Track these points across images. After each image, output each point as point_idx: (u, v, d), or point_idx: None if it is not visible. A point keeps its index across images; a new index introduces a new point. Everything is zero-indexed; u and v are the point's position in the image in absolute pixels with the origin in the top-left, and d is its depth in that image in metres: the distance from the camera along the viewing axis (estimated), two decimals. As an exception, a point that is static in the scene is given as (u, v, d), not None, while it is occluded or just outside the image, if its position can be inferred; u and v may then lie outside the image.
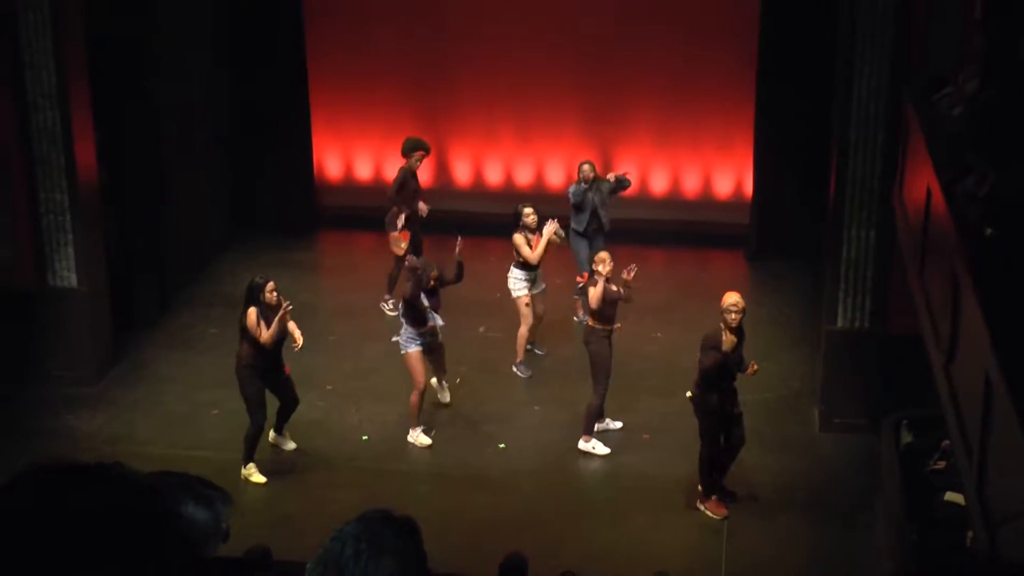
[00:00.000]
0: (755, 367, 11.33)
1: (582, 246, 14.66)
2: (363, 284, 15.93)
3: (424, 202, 14.99)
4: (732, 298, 11.19)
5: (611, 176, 14.77)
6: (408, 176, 14.84)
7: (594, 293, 12.08)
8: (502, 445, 12.72)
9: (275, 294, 11.70)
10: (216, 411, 12.97)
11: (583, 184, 14.50)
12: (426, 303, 12.30)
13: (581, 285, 14.33)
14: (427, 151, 15.12)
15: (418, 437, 12.64)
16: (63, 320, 13.40)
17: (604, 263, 12.21)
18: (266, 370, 11.82)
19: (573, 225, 14.71)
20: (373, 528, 3.07)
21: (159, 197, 15.03)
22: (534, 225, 13.71)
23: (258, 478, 12.02)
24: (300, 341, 11.86)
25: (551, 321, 14.41)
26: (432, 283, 12.32)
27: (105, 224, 13.99)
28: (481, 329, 14.61)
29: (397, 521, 3.13)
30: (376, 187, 17.49)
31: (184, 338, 14.71)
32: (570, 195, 14.63)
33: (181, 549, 2.08)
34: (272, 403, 12.14)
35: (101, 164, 13.82)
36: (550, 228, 13.65)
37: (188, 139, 15.68)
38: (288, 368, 12.08)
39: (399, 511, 3.20)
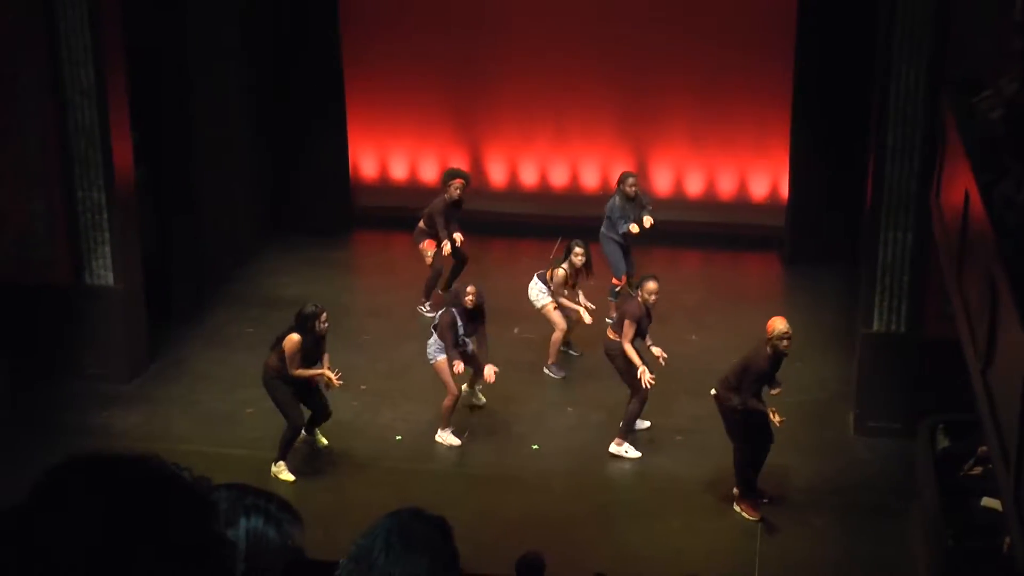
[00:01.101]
0: (779, 389, 11.30)
1: (617, 252, 14.62)
2: (398, 284, 15.95)
3: (460, 232, 14.91)
4: (782, 325, 11.10)
5: (647, 214, 14.62)
6: (449, 205, 14.83)
7: (628, 331, 12.01)
8: (535, 446, 12.72)
9: (326, 325, 11.82)
10: (251, 409, 13.01)
11: (627, 201, 14.42)
12: (461, 328, 12.32)
13: (618, 288, 14.32)
14: (466, 180, 15.08)
15: (447, 437, 12.65)
16: (99, 318, 13.47)
17: (653, 295, 12.12)
18: (295, 381, 11.91)
19: (608, 232, 14.66)
20: (404, 525, 3.07)
21: (196, 196, 15.09)
22: (579, 265, 13.69)
23: (287, 476, 12.07)
24: (336, 383, 11.98)
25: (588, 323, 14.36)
26: (471, 302, 12.34)
27: (142, 222, 14.05)
28: (515, 330, 14.60)
29: (428, 519, 3.13)
30: (411, 187, 17.52)
31: (221, 336, 14.77)
32: (608, 211, 14.54)
33: (218, 548, 2.08)
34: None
35: (138, 162, 13.90)
36: (584, 315, 13.55)
37: (224, 139, 15.73)
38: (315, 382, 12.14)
39: (431, 510, 3.20)
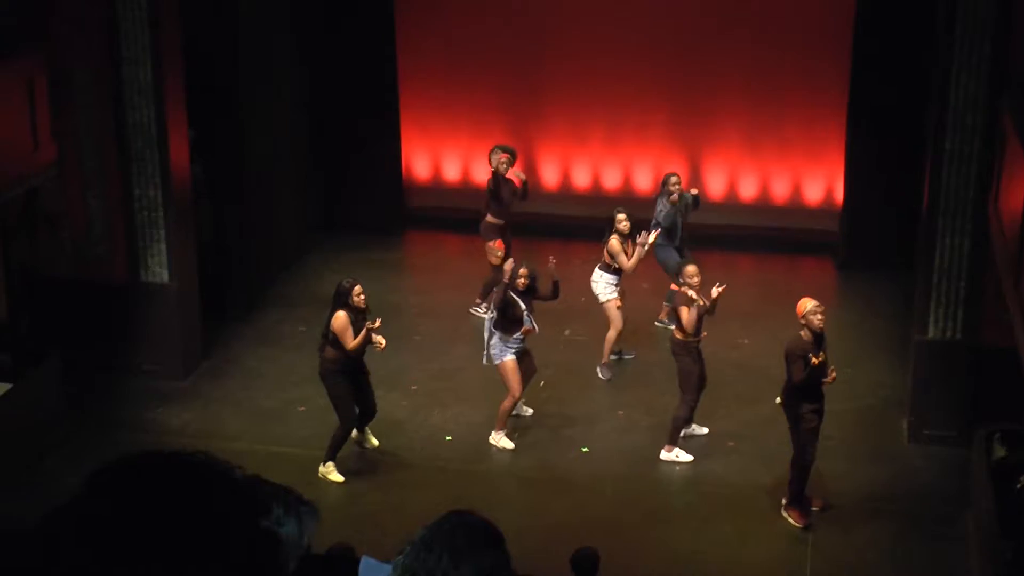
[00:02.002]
0: (834, 374, 11.15)
1: (671, 256, 14.57)
2: (449, 285, 15.97)
3: (517, 181, 14.88)
4: (811, 303, 11.04)
5: (692, 191, 14.68)
6: (500, 181, 14.82)
7: (687, 318, 11.95)
8: (585, 448, 12.69)
9: (362, 297, 11.70)
10: (303, 407, 13.06)
11: (672, 205, 14.42)
12: (521, 304, 12.26)
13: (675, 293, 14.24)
14: (512, 154, 15.07)
15: (500, 440, 12.63)
16: (154, 315, 13.58)
17: (694, 277, 12.07)
18: (352, 372, 11.86)
19: (659, 240, 14.63)
20: (453, 533, 3.05)
21: (249, 194, 15.17)
22: (627, 231, 13.60)
23: (336, 477, 12.05)
24: (383, 343, 11.82)
25: (636, 326, 14.33)
26: (523, 283, 12.27)
27: (196, 221, 14.15)
28: (566, 332, 14.59)
29: (479, 526, 3.11)
30: (463, 188, 17.54)
31: (273, 334, 14.85)
32: (660, 219, 14.51)
33: (268, 550, 2.09)
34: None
35: (194, 161, 14.00)
36: (646, 240, 13.45)
37: (277, 138, 15.82)
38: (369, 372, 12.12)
39: (481, 512, 3.18)
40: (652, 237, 13.56)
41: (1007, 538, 9.83)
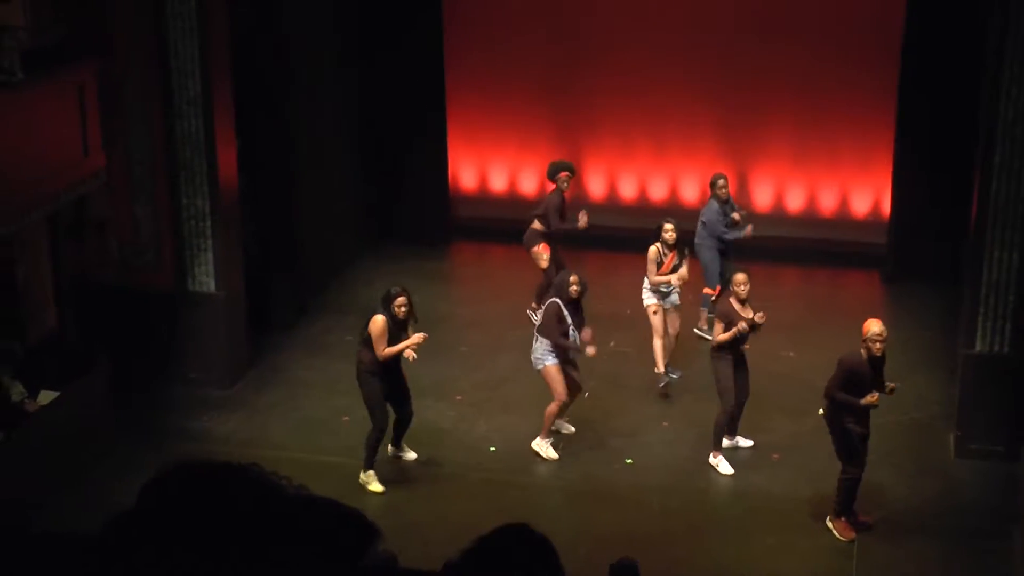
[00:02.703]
0: (893, 386, 11.07)
1: (716, 260, 14.58)
2: (496, 295, 15.99)
3: (585, 215, 14.96)
4: (876, 327, 10.93)
5: (740, 215, 14.69)
6: (561, 199, 14.87)
7: (721, 333, 11.95)
8: (629, 460, 12.66)
9: (405, 309, 11.64)
10: (347, 417, 13.10)
11: (722, 203, 14.49)
12: (569, 320, 12.24)
13: (712, 298, 14.20)
14: (571, 171, 15.12)
15: (546, 449, 12.60)
16: (201, 324, 13.66)
17: (742, 286, 12.03)
18: (387, 376, 11.82)
19: (703, 240, 14.65)
20: (508, 547, 3.02)
21: (296, 204, 15.26)
22: (671, 242, 13.59)
23: (376, 487, 12.02)
24: (413, 356, 11.71)
25: (682, 337, 14.28)
26: (576, 291, 12.24)
27: (244, 229, 14.24)
28: (612, 343, 14.56)
29: (535, 540, 3.08)
30: (510, 199, 17.57)
31: (320, 343, 14.90)
32: (704, 217, 14.56)
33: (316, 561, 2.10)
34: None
35: (242, 171, 14.08)
36: (680, 274, 13.51)
37: (325, 148, 15.91)
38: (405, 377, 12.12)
39: (538, 528, 3.16)
40: (681, 275, 13.59)
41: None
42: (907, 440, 12.88)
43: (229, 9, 13.50)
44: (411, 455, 12.50)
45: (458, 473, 12.44)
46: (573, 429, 13.01)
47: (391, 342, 11.61)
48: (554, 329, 12.16)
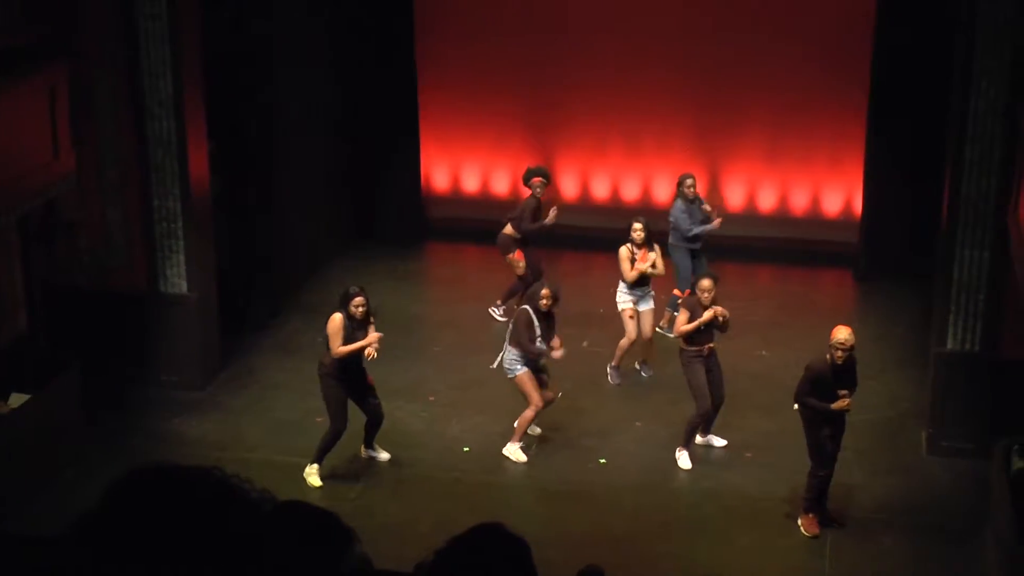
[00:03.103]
0: (845, 403, 11.09)
1: (687, 261, 14.63)
2: (469, 296, 15.99)
3: (555, 210, 15.05)
4: (841, 335, 10.94)
5: (713, 216, 14.75)
6: (536, 204, 14.93)
7: (681, 324, 12.09)
8: (602, 460, 12.68)
9: (362, 309, 11.63)
10: (320, 418, 13.06)
11: (688, 203, 14.57)
12: (538, 328, 12.27)
13: (679, 300, 14.28)
14: (547, 179, 15.17)
15: (515, 452, 12.61)
16: (173, 325, 13.61)
17: (706, 292, 12.13)
18: (350, 379, 11.81)
19: (676, 241, 14.71)
20: (481, 547, 3.01)
21: (270, 205, 15.22)
22: (640, 241, 13.66)
23: (315, 481, 12.00)
24: (373, 355, 11.68)
25: (655, 337, 14.31)
26: (546, 304, 12.27)
27: (218, 231, 14.19)
28: (584, 344, 14.58)
29: (508, 540, 3.06)
30: (483, 200, 17.57)
31: (293, 345, 14.87)
32: (672, 218, 14.65)
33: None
34: (359, 417, 12.15)
35: (215, 172, 14.04)
36: (652, 262, 13.59)
37: (299, 150, 15.86)
38: (372, 378, 12.09)
39: (510, 527, 3.14)
40: (658, 264, 13.68)
41: (1026, 550, 9.79)
42: (879, 438, 12.94)
43: (202, 10, 13.46)
44: (383, 456, 12.48)
45: (431, 474, 12.43)
46: (539, 430, 13.02)
47: (348, 341, 11.60)
48: (523, 335, 12.21)
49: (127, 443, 12.48)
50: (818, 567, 11.14)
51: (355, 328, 11.62)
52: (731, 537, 11.53)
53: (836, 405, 10.94)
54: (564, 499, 12.11)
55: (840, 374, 11.01)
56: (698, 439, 12.66)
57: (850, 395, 11.04)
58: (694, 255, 14.73)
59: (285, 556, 2.05)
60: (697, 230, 14.60)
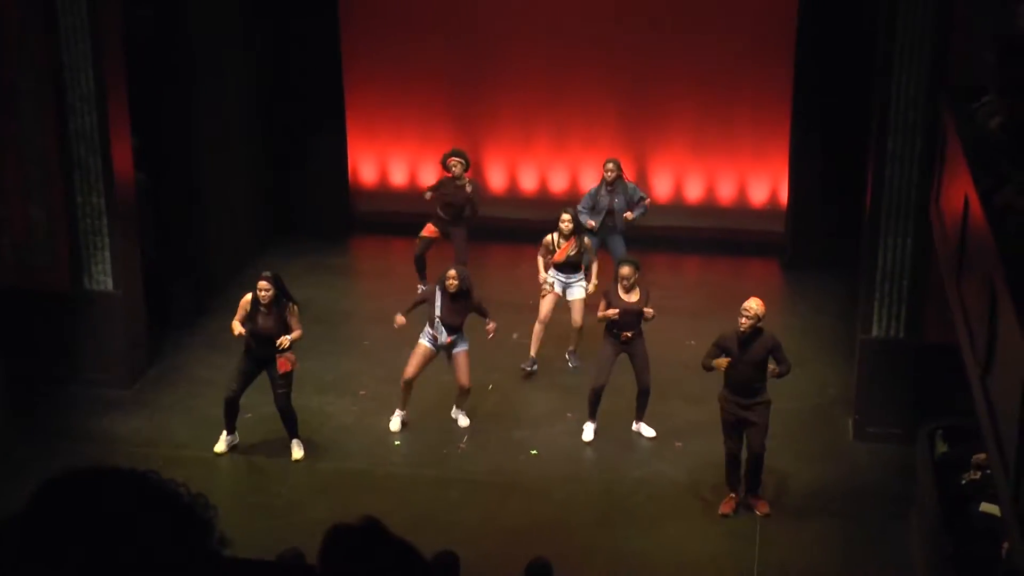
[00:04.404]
0: (726, 361, 11.30)
1: (619, 246, 14.66)
2: (397, 289, 15.92)
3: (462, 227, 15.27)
4: (747, 303, 11.36)
5: (640, 204, 14.83)
6: (445, 181, 15.01)
7: (601, 312, 12.41)
8: (534, 451, 12.72)
9: (263, 293, 11.94)
10: (249, 415, 13.00)
11: (602, 188, 14.66)
12: (438, 308, 12.32)
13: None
14: (463, 158, 15.20)
15: (393, 419, 12.85)
16: (98, 323, 13.47)
17: (625, 279, 12.34)
18: (255, 358, 12.14)
19: (612, 226, 14.76)
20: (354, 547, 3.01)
21: (195, 201, 15.10)
22: (567, 232, 13.74)
23: (218, 447, 12.37)
24: (286, 342, 11.98)
25: (586, 329, 14.35)
26: (452, 285, 12.33)
27: (142, 228, 14.05)
28: (514, 336, 14.59)
29: (355, 533, 3.06)
30: (411, 193, 17.53)
31: (220, 341, 14.70)
32: (583, 202, 14.77)
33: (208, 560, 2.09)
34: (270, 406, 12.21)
35: (138, 168, 13.90)
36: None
37: (224, 144, 15.74)
38: (289, 365, 12.09)
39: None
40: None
41: (948, 533, 9.94)
42: (807, 425, 13.08)
43: (123, 3, 13.31)
44: (296, 455, 12.47)
45: (363, 468, 12.41)
46: (468, 422, 13.04)
47: (253, 323, 12.03)
48: (414, 301, 12.72)
49: (54, 442, 12.34)
50: (748, 552, 11.26)
51: (258, 311, 11.95)
52: (662, 525, 11.62)
53: (716, 362, 11.28)
54: (497, 491, 12.13)
55: (744, 344, 11.20)
56: (633, 426, 12.84)
57: (780, 377, 11.29)
58: (604, 244, 14.73)
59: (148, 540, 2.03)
60: (583, 217, 14.56)
